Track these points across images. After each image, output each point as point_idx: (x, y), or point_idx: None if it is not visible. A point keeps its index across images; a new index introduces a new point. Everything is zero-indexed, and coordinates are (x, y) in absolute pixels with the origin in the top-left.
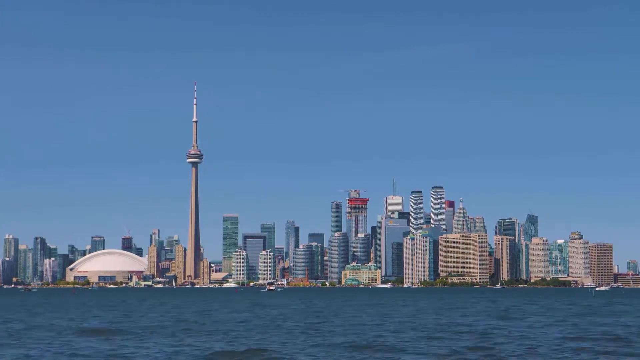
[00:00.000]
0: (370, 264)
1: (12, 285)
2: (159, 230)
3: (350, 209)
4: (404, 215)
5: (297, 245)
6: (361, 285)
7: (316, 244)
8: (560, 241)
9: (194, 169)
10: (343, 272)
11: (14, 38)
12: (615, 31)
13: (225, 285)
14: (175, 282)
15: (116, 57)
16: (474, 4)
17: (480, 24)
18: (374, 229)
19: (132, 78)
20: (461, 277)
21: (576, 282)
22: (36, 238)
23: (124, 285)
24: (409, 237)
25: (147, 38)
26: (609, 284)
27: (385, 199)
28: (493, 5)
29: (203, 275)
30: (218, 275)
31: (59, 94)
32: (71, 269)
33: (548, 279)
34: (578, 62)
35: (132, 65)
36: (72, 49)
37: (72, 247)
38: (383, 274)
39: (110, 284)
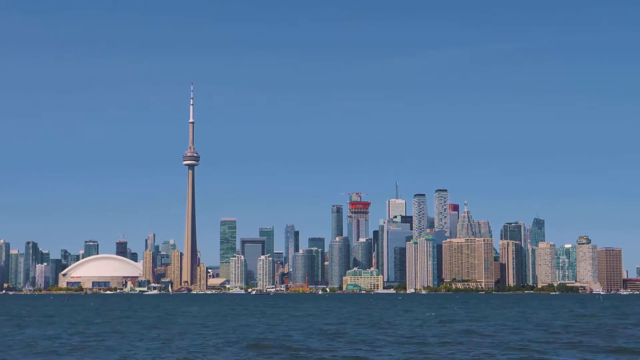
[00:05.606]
0: (372, 269)
1: (4, 292)
2: (154, 235)
3: (352, 212)
4: (406, 219)
5: (296, 250)
6: (362, 292)
7: (316, 248)
8: (567, 246)
9: (190, 171)
10: (344, 278)
11: (7, 38)
12: (630, 31)
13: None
14: (172, 288)
15: (111, 57)
16: (476, 7)
17: (482, 25)
18: (375, 233)
19: (127, 78)
20: (465, 283)
21: (584, 287)
22: (28, 243)
23: (118, 291)
24: (412, 241)
25: (143, 37)
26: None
27: (387, 202)
28: (495, 7)
29: (200, 281)
30: (215, 281)
31: (52, 95)
32: (64, 275)
33: (555, 284)
34: (585, 62)
35: (127, 65)
36: (65, 49)
37: (65, 252)
38: (385, 279)
39: (104, 290)
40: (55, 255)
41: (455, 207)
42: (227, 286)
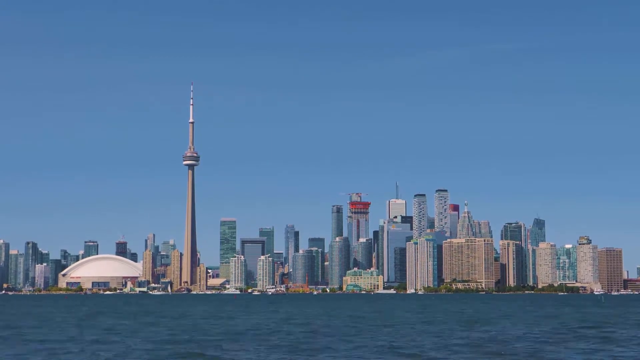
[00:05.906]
0: (372, 269)
1: (3, 292)
2: (154, 235)
3: (352, 212)
4: (407, 220)
5: (296, 250)
6: (363, 292)
7: (316, 249)
8: (568, 246)
9: (190, 171)
10: (344, 278)
11: (7, 38)
12: (630, 31)
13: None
14: (171, 288)
15: (111, 57)
16: (476, 7)
17: (482, 25)
18: (376, 233)
19: (127, 78)
20: (466, 283)
21: (584, 288)
22: (27, 243)
23: (118, 291)
24: (412, 241)
25: (143, 37)
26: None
27: (387, 202)
28: (495, 7)
29: (200, 281)
30: (215, 281)
31: (52, 95)
32: (64, 275)
33: (556, 284)
34: (585, 62)
35: (127, 65)
36: (65, 49)
37: (65, 252)
38: (385, 279)
39: (104, 290)
40: (55, 255)
41: (456, 207)
42: (227, 286)
